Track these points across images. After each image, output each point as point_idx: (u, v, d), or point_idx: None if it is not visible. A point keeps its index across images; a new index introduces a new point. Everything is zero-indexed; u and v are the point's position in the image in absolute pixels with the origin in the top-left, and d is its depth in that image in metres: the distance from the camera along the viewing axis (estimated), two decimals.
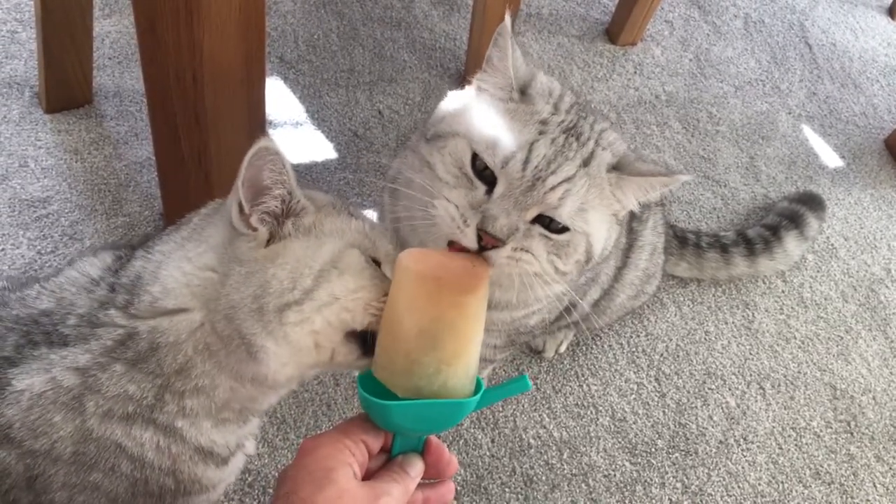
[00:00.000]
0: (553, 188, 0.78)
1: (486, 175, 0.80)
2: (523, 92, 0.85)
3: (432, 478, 0.67)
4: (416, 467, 0.65)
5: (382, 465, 0.65)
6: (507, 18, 0.83)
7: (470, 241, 0.76)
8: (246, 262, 0.66)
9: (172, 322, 0.66)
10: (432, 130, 0.87)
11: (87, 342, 0.65)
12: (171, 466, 0.69)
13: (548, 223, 0.80)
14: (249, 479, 1.15)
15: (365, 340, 0.68)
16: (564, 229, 0.81)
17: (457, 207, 0.78)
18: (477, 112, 0.84)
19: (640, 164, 0.86)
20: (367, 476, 0.63)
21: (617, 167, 0.85)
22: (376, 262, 0.70)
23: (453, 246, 0.78)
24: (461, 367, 0.63)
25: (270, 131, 1.54)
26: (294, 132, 1.58)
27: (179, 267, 0.67)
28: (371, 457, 0.64)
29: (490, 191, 0.79)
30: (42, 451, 0.64)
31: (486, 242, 0.75)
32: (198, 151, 1.09)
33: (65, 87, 1.42)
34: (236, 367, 0.68)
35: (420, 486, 0.65)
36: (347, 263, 0.67)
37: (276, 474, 1.15)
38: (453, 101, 0.90)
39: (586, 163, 0.82)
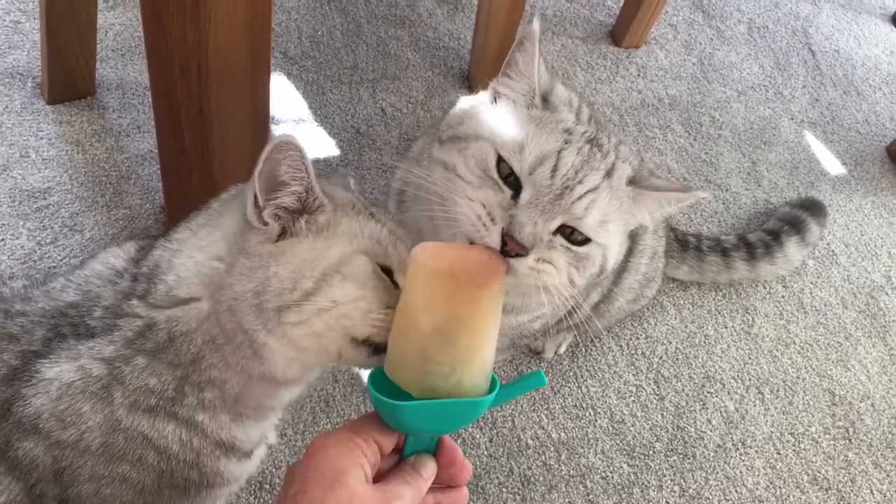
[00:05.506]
0: (580, 198, 0.78)
1: (509, 181, 0.78)
2: (545, 99, 0.84)
3: (444, 482, 0.65)
4: (429, 468, 0.62)
5: (394, 466, 0.63)
6: (536, 22, 0.81)
7: (494, 241, 0.74)
8: (252, 255, 0.64)
9: (185, 311, 0.66)
10: (448, 133, 0.85)
11: (111, 333, 0.65)
12: (194, 460, 0.69)
13: (568, 234, 0.79)
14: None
15: (375, 343, 0.66)
16: (585, 241, 0.80)
17: (483, 206, 0.76)
18: (500, 116, 0.83)
19: (655, 179, 0.86)
20: (378, 477, 0.61)
21: (633, 181, 0.84)
22: (388, 271, 0.67)
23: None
24: (476, 365, 0.61)
25: (273, 127, 1.54)
26: (296, 128, 1.57)
27: (191, 256, 0.67)
28: (383, 457, 0.62)
29: (515, 196, 0.77)
30: (70, 441, 0.63)
31: (511, 249, 0.74)
32: (200, 145, 1.09)
33: (67, 78, 1.42)
34: (242, 364, 0.67)
35: (431, 489, 0.63)
36: (352, 270, 0.65)
37: (273, 472, 1.14)
38: (469, 104, 0.88)
39: (609, 174, 0.81)
